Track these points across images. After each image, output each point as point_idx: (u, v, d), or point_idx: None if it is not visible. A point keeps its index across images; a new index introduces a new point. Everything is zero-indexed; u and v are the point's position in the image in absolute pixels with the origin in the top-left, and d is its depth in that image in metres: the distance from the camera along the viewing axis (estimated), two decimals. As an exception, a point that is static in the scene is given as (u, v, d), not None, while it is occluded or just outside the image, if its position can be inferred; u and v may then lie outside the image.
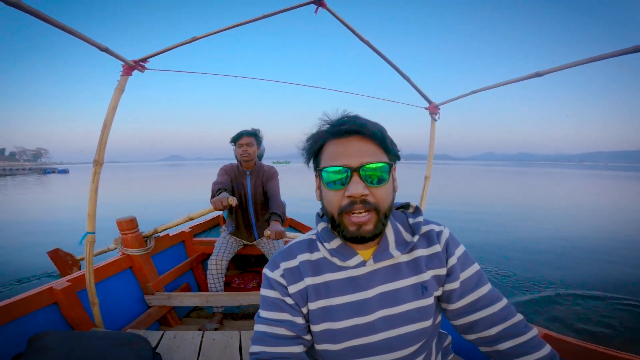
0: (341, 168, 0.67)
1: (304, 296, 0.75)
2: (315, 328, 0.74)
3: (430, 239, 0.78)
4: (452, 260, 0.76)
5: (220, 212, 3.51)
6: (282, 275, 0.76)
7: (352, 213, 0.67)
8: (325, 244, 0.76)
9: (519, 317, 0.75)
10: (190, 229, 2.97)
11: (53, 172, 61.75)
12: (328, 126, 0.73)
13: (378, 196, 0.67)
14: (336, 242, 0.75)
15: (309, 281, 0.75)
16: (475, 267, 0.78)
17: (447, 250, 0.77)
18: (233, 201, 1.97)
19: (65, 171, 63.70)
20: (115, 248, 2.11)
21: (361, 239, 0.68)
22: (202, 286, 2.87)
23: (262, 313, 0.76)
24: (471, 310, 0.74)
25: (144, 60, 1.32)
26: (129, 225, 2.12)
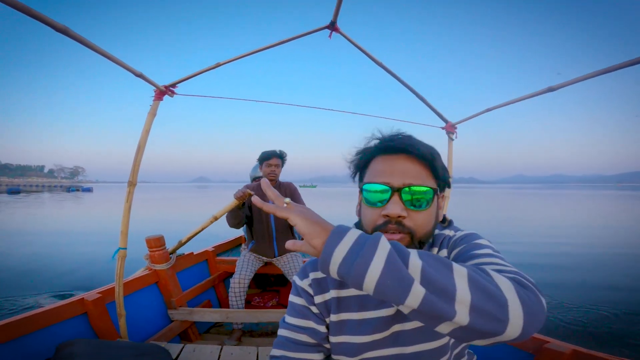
0: (383, 187, 0.65)
1: (328, 307, 0.75)
2: (333, 339, 0.74)
3: (440, 248, 0.73)
4: (456, 253, 0.68)
5: (242, 233, 3.61)
6: (310, 285, 0.77)
7: (385, 233, 0.64)
8: None
9: None
10: (213, 249, 3.06)
11: (77, 190, 62.69)
12: (377, 141, 0.71)
13: (416, 220, 0.64)
14: None
15: (334, 293, 0.75)
16: (483, 252, 0.65)
17: (452, 253, 0.70)
18: (251, 192, 2.25)
19: (89, 189, 63.95)
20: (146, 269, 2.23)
21: None
22: (223, 303, 2.91)
23: (287, 318, 0.77)
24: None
25: (173, 85, 1.44)
26: (157, 243, 2.22)
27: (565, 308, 3.77)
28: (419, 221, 0.65)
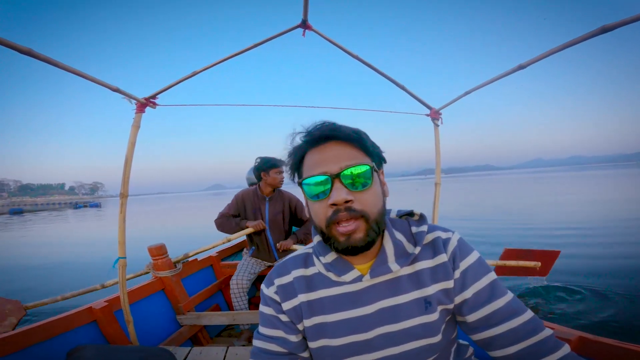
0: (321, 177, 0.64)
1: (299, 313, 0.74)
2: (312, 345, 0.73)
3: (436, 248, 0.72)
4: (459, 272, 0.70)
5: (244, 238, 3.68)
6: (276, 292, 0.75)
7: (339, 223, 0.64)
8: (320, 257, 0.73)
9: (546, 332, 0.65)
10: (217, 254, 3.13)
11: (85, 206, 63.41)
12: (304, 136, 0.71)
13: (364, 202, 0.64)
14: (331, 256, 0.73)
15: (302, 297, 0.74)
16: (490, 277, 0.70)
17: (454, 261, 0.70)
18: (264, 225, 2.45)
19: (97, 205, 64.44)
20: (148, 272, 2.30)
21: (353, 250, 0.65)
22: (231, 307, 2.98)
23: (260, 329, 0.77)
24: (487, 325, 0.67)
25: (154, 97, 1.48)
26: (158, 251, 2.29)
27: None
28: (367, 201, 0.65)
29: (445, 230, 0.75)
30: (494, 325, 0.66)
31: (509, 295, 0.69)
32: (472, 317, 0.68)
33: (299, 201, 2.65)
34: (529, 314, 0.67)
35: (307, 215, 2.63)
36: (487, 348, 0.68)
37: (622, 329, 2.71)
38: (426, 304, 0.69)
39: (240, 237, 2.47)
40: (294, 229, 2.82)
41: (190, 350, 1.85)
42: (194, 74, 1.43)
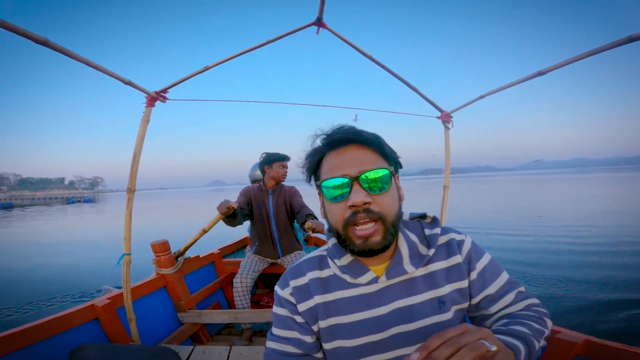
0: (341, 179, 0.66)
1: (314, 314, 0.74)
2: (327, 346, 0.73)
3: (450, 249, 0.74)
4: (475, 274, 0.73)
5: (247, 234, 3.64)
6: (292, 294, 0.76)
7: (357, 225, 0.65)
8: (335, 260, 0.74)
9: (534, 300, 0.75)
10: (219, 251, 3.10)
11: (79, 201, 62.02)
12: (324, 139, 0.72)
13: (382, 204, 0.65)
14: (347, 259, 0.73)
15: (318, 299, 0.74)
16: (505, 275, 0.75)
17: (470, 263, 0.74)
18: (235, 204, 2.18)
19: (90, 200, 63.92)
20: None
21: (370, 252, 0.66)
22: (232, 304, 2.95)
23: (274, 330, 0.77)
24: (502, 310, 0.74)
25: (164, 91, 1.45)
26: (161, 247, 2.27)
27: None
28: (385, 204, 0.66)
29: (458, 232, 0.78)
30: (510, 306, 0.74)
31: (521, 286, 0.77)
32: (494, 309, 0.73)
33: (297, 192, 2.63)
34: (535, 299, 0.76)
35: (301, 203, 2.49)
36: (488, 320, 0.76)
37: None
38: (440, 304, 0.70)
39: (214, 223, 2.31)
40: (296, 225, 2.78)
41: (193, 349, 1.83)
42: (206, 68, 1.40)
